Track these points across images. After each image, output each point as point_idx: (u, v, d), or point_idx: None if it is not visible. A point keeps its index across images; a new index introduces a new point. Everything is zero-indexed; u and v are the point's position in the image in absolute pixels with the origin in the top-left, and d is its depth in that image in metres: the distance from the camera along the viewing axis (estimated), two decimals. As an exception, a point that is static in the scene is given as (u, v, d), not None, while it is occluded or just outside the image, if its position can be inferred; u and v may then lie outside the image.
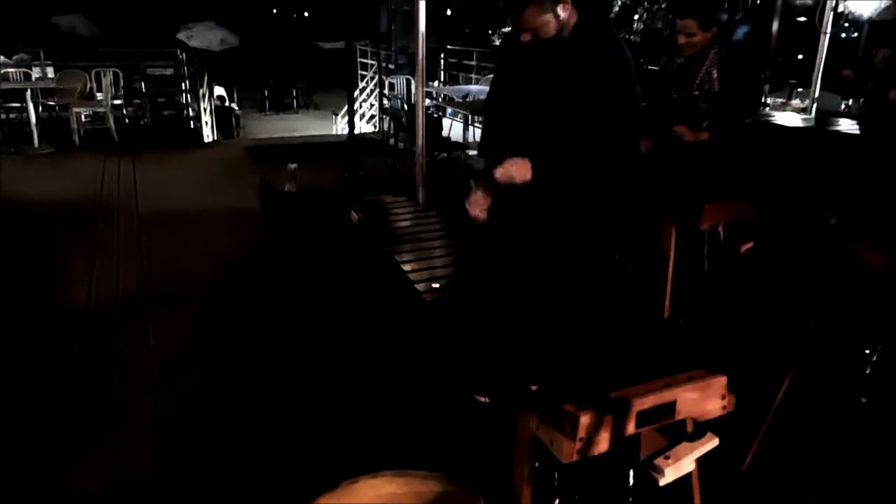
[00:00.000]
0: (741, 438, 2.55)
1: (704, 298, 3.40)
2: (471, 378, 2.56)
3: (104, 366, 3.36)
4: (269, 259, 4.63)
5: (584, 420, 1.57)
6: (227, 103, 13.23)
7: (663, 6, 13.55)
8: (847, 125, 4.46)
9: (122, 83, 10.22)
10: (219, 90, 12.64)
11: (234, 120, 13.21)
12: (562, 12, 2.26)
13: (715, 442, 1.88)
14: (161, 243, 5.16)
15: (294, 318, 3.76)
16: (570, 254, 2.57)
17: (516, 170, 2.37)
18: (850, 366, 2.78)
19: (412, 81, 9.10)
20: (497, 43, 19.79)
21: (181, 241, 5.26)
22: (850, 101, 6.98)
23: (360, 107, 11.34)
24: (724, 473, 2.50)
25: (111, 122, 9.41)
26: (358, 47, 11.24)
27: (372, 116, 11.21)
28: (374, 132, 10.70)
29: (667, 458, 1.84)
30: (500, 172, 2.39)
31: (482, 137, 2.92)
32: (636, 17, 14.00)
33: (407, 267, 2.69)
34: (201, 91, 10.38)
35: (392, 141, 8.70)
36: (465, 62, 10.97)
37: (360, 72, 11.60)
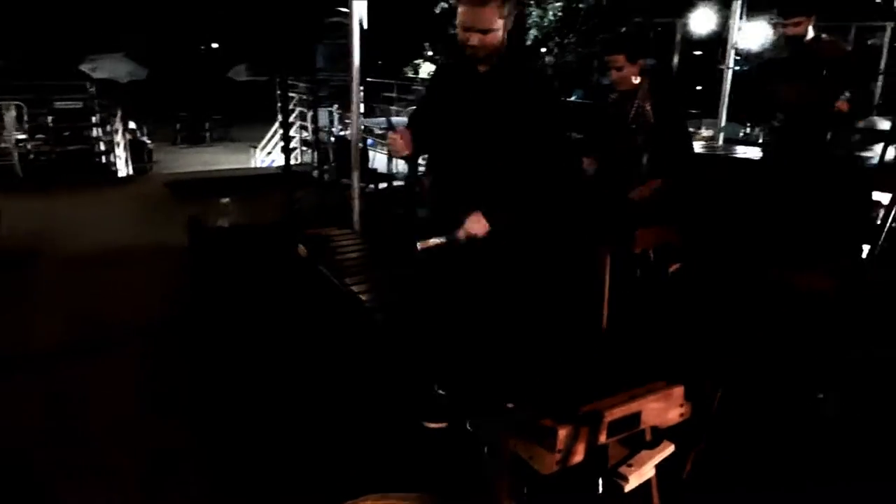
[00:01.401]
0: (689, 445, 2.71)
1: (639, 317, 3.60)
2: (442, 400, 2.63)
3: (40, 420, 3.22)
4: (206, 296, 4.55)
5: (563, 433, 1.68)
6: (138, 136, 12.89)
7: (573, 40, 14.21)
8: (754, 152, 4.84)
9: (25, 117, 9.81)
10: (129, 123, 12.32)
11: (146, 154, 12.88)
12: (504, 29, 2.40)
13: (671, 448, 2.03)
14: (85, 285, 4.98)
15: (242, 354, 3.72)
16: (518, 271, 2.70)
17: (476, 226, 2.49)
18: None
19: (334, 114, 9.17)
20: (411, 75, 20.13)
21: (107, 281, 5.08)
22: (749, 129, 7.57)
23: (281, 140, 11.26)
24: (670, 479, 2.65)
25: (15, 157, 9.02)
26: (277, 79, 11.19)
27: (293, 149, 11.16)
28: (295, 164, 10.64)
29: (629, 465, 1.97)
30: (463, 233, 2.51)
31: None
32: (544, 50, 14.60)
33: (364, 297, 2.75)
34: (115, 125, 10.09)
35: (316, 173, 8.70)
36: (385, 94, 11.13)
37: (279, 104, 11.54)
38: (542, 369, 2.14)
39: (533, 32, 13.76)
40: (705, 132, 6.49)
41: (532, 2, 13.57)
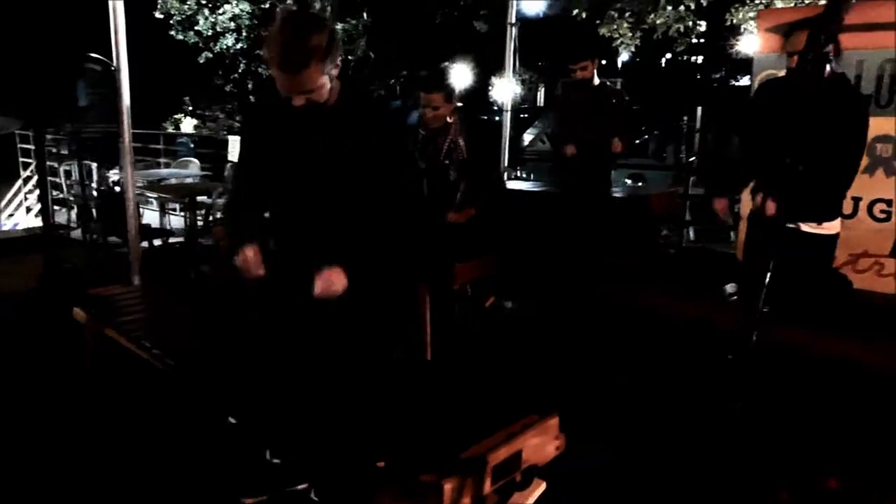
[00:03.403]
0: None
1: (462, 353, 3.53)
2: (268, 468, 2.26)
3: None
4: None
5: (448, 487, 1.48)
6: None
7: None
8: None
9: None
10: None
11: None
12: (333, 77, 2.21)
13: (543, 486, 1.91)
14: None
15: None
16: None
17: (335, 280, 2.26)
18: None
19: (93, 167, 8.22)
20: (171, 129, 18.98)
21: None
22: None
23: (26, 199, 9.88)
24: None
25: None
26: (16, 133, 9.86)
27: (44, 208, 9.85)
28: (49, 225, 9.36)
29: (506, 512, 1.81)
30: (320, 288, 2.26)
31: (233, 204, 2.72)
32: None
33: (169, 359, 2.34)
34: None
35: (76, 233, 7.69)
36: (152, 146, 10.28)
37: (21, 159, 10.16)
38: (393, 416, 1.92)
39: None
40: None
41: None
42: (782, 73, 3.27)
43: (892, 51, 4.18)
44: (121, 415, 2.97)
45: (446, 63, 14.85)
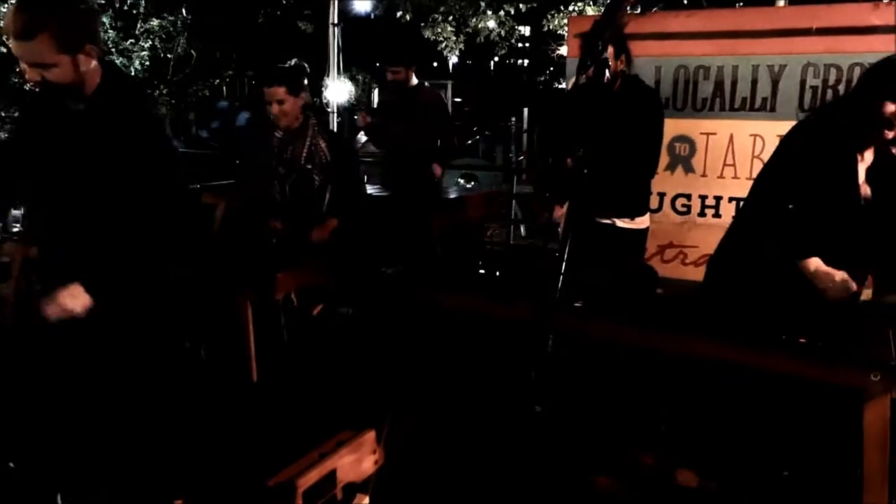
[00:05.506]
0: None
1: (289, 365, 3.39)
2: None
3: None
4: None
5: (253, 520, 1.37)
6: None
7: (165, 91, 13.51)
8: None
9: None
10: None
11: None
12: (84, 62, 1.99)
13: (366, 501, 1.85)
14: None
15: None
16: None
17: (70, 299, 1.95)
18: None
19: None
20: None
21: None
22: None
23: None
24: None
25: None
26: None
27: None
28: None
29: (326, 534, 1.73)
30: (52, 309, 1.95)
31: None
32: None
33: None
34: None
35: None
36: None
37: None
38: (199, 445, 1.78)
39: (117, 82, 12.72)
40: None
41: (112, 49, 12.53)
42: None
43: (686, 58, 4.54)
44: None
45: (296, 60, 14.43)
